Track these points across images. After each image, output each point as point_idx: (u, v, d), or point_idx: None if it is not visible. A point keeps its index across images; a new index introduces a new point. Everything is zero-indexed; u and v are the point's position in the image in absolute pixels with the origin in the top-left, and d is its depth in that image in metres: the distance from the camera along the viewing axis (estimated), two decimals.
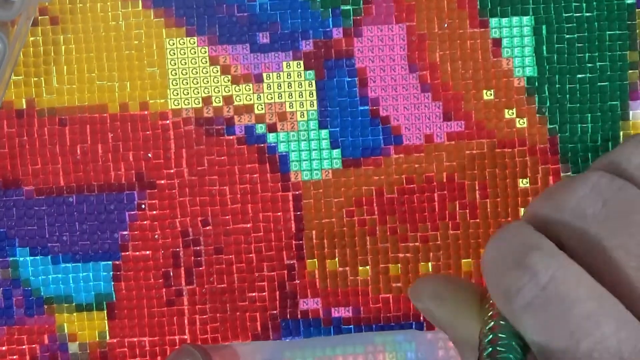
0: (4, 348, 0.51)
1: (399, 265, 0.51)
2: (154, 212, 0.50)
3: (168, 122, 0.50)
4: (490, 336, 0.33)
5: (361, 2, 0.50)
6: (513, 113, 0.50)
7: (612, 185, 0.33)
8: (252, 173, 0.50)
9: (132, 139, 0.50)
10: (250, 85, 0.50)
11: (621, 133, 0.50)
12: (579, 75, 0.50)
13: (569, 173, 0.50)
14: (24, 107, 0.50)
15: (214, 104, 0.50)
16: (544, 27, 0.50)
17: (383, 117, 0.50)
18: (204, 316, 0.51)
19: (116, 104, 0.50)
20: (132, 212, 0.50)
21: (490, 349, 0.32)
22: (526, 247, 0.33)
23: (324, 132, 0.50)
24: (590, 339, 0.31)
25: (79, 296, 0.51)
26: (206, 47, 0.50)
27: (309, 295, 0.51)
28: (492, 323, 0.33)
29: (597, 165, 0.36)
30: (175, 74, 0.50)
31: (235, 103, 0.50)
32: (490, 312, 0.34)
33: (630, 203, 0.33)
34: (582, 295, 0.31)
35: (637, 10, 0.50)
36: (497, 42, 0.50)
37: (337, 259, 0.51)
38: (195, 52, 0.50)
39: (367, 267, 0.51)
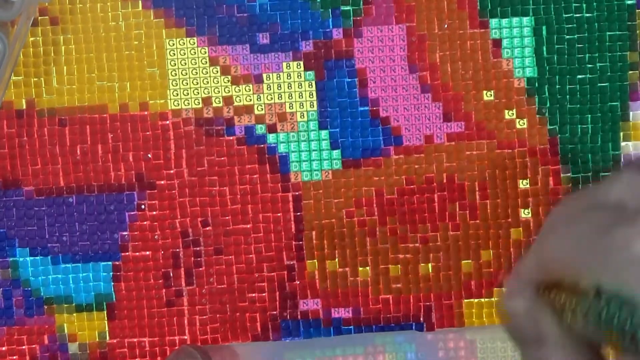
0: (4, 348, 0.51)
1: (399, 266, 0.51)
2: (154, 212, 0.50)
3: (168, 122, 0.50)
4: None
5: (361, 2, 0.50)
6: (513, 114, 0.50)
7: None
8: (252, 173, 0.50)
9: (132, 139, 0.50)
10: (250, 85, 0.50)
11: (621, 134, 0.50)
12: (579, 76, 0.50)
13: (569, 174, 0.50)
14: (24, 107, 0.50)
15: (214, 105, 0.50)
16: (544, 27, 0.50)
17: (383, 117, 0.50)
18: (204, 316, 0.51)
19: (116, 104, 0.50)
20: (132, 213, 0.50)
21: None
22: (624, 216, 0.34)
23: (324, 133, 0.50)
24: None
25: (79, 296, 0.51)
26: (206, 48, 0.50)
27: (309, 295, 0.51)
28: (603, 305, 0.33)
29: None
30: (175, 74, 0.50)
31: (235, 103, 0.50)
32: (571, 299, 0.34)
33: None
34: None
35: (637, 10, 0.50)
36: (497, 43, 0.50)
37: (337, 260, 0.51)
38: (195, 53, 0.50)
39: (367, 267, 0.51)
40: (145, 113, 0.50)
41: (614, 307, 0.33)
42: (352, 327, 0.51)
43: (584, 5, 0.50)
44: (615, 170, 0.37)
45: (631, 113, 0.50)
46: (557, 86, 0.50)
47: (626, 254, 0.33)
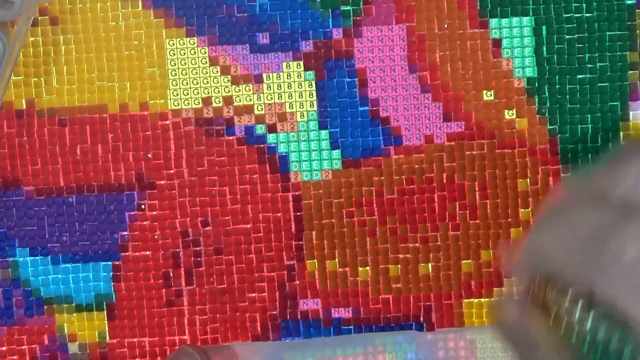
0: (4, 348, 0.51)
1: (399, 265, 0.51)
2: (154, 212, 0.50)
3: (168, 122, 0.50)
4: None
5: (361, 2, 0.50)
6: (513, 114, 0.50)
7: None
8: (252, 173, 0.50)
9: (132, 139, 0.50)
10: (250, 85, 0.50)
11: (621, 133, 0.50)
12: (579, 76, 0.50)
13: (569, 174, 0.50)
14: (24, 107, 0.50)
15: (214, 105, 0.50)
16: (544, 27, 0.50)
17: (383, 117, 0.50)
18: (204, 316, 0.51)
19: (116, 104, 0.50)
20: (132, 213, 0.50)
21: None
22: (620, 221, 0.33)
23: (324, 133, 0.50)
24: None
25: (79, 296, 0.51)
26: (206, 48, 0.50)
27: (309, 295, 0.51)
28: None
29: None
30: (175, 74, 0.50)
31: (235, 103, 0.50)
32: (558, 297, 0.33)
33: None
34: None
35: (637, 10, 0.50)
36: (497, 43, 0.50)
37: (337, 260, 0.51)
38: (195, 53, 0.50)
39: (367, 267, 0.51)
40: (145, 113, 0.50)
41: (606, 330, 0.32)
42: (352, 327, 0.51)
43: (584, 5, 0.50)
44: (621, 151, 0.36)
45: (631, 113, 0.50)
46: (557, 86, 0.50)
47: (620, 262, 0.32)
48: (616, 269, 0.31)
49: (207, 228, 0.50)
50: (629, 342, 0.31)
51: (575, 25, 0.50)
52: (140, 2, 0.50)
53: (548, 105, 0.50)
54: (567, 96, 0.50)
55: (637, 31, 0.50)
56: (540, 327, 0.34)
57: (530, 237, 0.36)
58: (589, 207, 0.34)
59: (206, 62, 0.50)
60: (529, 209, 0.50)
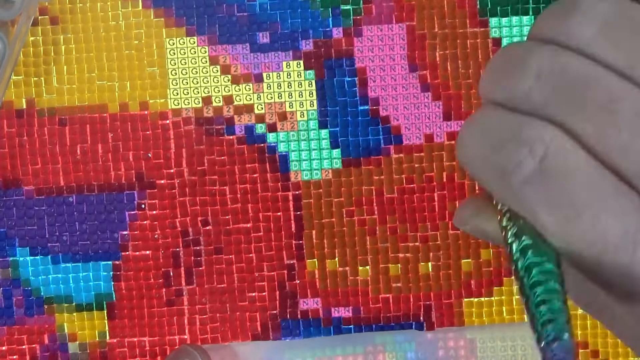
0: (4, 348, 0.51)
1: (399, 265, 0.51)
2: (154, 212, 0.50)
3: (168, 122, 0.50)
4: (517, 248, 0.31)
5: (361, 2, 0.50)
6: None
7: (557, 62, 0.32)
8: (252, 173, 0.50)
9: (132, 139, 0.50)
10: (250, 85, 0.50)
11: None
12: None
13: None
14: (24, 107, 0.50)
15: (214, 104, 0.50)
16: None
17: (383, 116, 0.50)
18: (204, 316, 0.51)
19: (116, 104, 0.50)
20: (132, 212, 0.50)
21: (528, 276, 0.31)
22: (516, 124, 0.31)
23: (324, 132, 0.50)
24: (592, 208, 0.30)
25: (79, 296, 0.51)
26: (206, 47, 0.50)
27: (309, 295, 0.51)
28: (512, 226, 0.32)
29: (538, 31, 0.33)
30: (175, 74, 0.50)
31: (235, 103, 0.50)
32: (502, 207, 0.33)
33: (578, 80, 0.31)
34: (581, 164, 0.30)
35: None
36: (497, 42, 0.50)
37: (337, 259, 0.51)
38: (195, 52, 0.50)
39: (367, 267, 0.51)
40: (145, 112, 0.50)
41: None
42: (352, 326, 0.51)
43: None
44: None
45: None
46: None
47: (517, 176, 0.30)
48: (519, 178, 0.31)
49: (207, 227, 0.50)
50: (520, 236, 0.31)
51: None
52: (140, 1, 0.50)
53: None
54: None
55: None
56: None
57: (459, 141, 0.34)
58: (498, 112, 0.32)
59: (206, 61, 0.50)
60: None
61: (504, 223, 0.32)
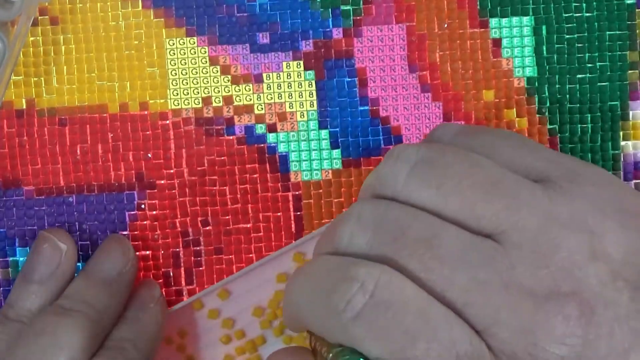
0: None
1: None
2: (154, 212, 0.50)
3: (168, 122, 0.50)
4: None
5: (361, 2, 0.50)
6: (513, 113, 0.50)
7: (375, 210, 0.34)
8: (252, 173, 0.50)
9: (132, 139, 0.50)
10: (250, 85, 0.50)
11: (621, 133, 0.50)
12: (579, 76, 0.50)
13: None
14: (24, 107, 0.50)
15: (214, 104, 0.50)
16: (543, 27, 0.50)
17: (383, 117, 0.50)
18: None
19: (116, 104, 0.50)
20: (132, 212, 0.50)
21: None
22: (346, 265, 0.32)
23: (324, 132, 0.50)
24: (424, 337, 0.31)
25: None
26: (206, 47, 0.50)
27: None
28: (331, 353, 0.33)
29: (363, 193, 0.36)
30: (175, 74, 0.50)
31: (235, 103, 0.50)
32: (323, 348, 0.33)
33: (397, 222, 0.33)
34: (410, 296, 0.31)
35: (637, 10, 0.50)
36: (497, 42, 0.50)
37: None
38: (195, 52, 0.50)
39: None
40: (145, 113, 0.50)
41: None
42: None
43: (584, 4, 0.50)
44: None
45: (631, 113, 0.50)
46: (557, 86, 0.50)
47: (348, 313, 0.31)
48: (348, 319, 0.32)
49: (207, 228, 0.50)
50: None
51: (575, 25, 0.50)
52: (140, 2, 0.50)
53: (548, 104, 0.50)
54: (567, 96, 0.50)
55: (637, 31, 0.50)
56: None
57: (285, 294, 0.36)
58: (325, 259, 0.34)
59: (206, 61, 0.50)
60: None
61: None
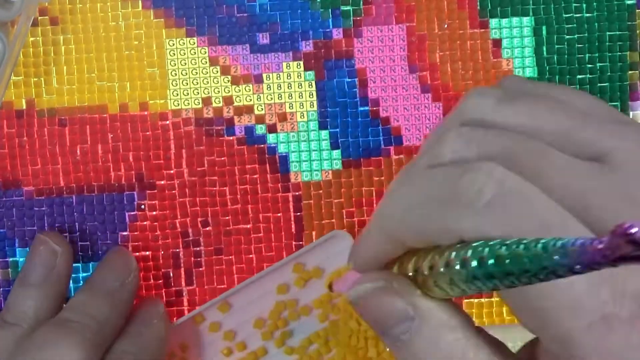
0: None
1: None
2: (154, 212, 0.50)
3: (168, 122, 0.50)
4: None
5: (361, 2, 0.50)
6: None
7: (473, 130, 0.33)
8: (252, 174, 0.50)
9: (132, 139, 0.50)
10: (250, 85, 0.50)
11: None
12: (579, 76, 0.50)
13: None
14: (24, 107, 0.50)
15: (214, 105, 0.50)
16: (544, 27, 0.50)
17: (383, 117, 0.50)
18: None
19: (116, 105, 0.50)
20: (132, 213, 0.50)
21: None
22: (462, 166, 0.32)
23: (324, 133, 0.50)
24: (557, 229, 0.30)
25: None
26: (206, 48, 0.50)
27: None
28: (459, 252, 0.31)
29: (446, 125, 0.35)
30: (175, 74, 0.50)
31: (235, 103, 0.50)
32: (427, 262, 0.32)
33: (501, 137, 0.33)
34: (537, 190, 0.31)
35: (637, 10, 0.50)
36: (497, 43, 0.50)
37: None
38: (195, 53, 0.50)
39: None
40: (145, 113, 0.50)
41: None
42: None
43: (584, 5, 0.50)
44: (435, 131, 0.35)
45: (631, 113, 0.50)
46: None
47: (480, 201, 0.30)
48: (478, 209, 0.30)
49: (207, 228, 0.50)
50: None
51: (575, 25, 0.50)
52: (140, 2, 0.50)
53: None
54: None
55: (637, 31, 0.50)
56: (411, 293, 0.33)
57: (372, 221, 0.34)
58: (429, 171, 0.33)
59: (206, 62, 0.50)
60: None
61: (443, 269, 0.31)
